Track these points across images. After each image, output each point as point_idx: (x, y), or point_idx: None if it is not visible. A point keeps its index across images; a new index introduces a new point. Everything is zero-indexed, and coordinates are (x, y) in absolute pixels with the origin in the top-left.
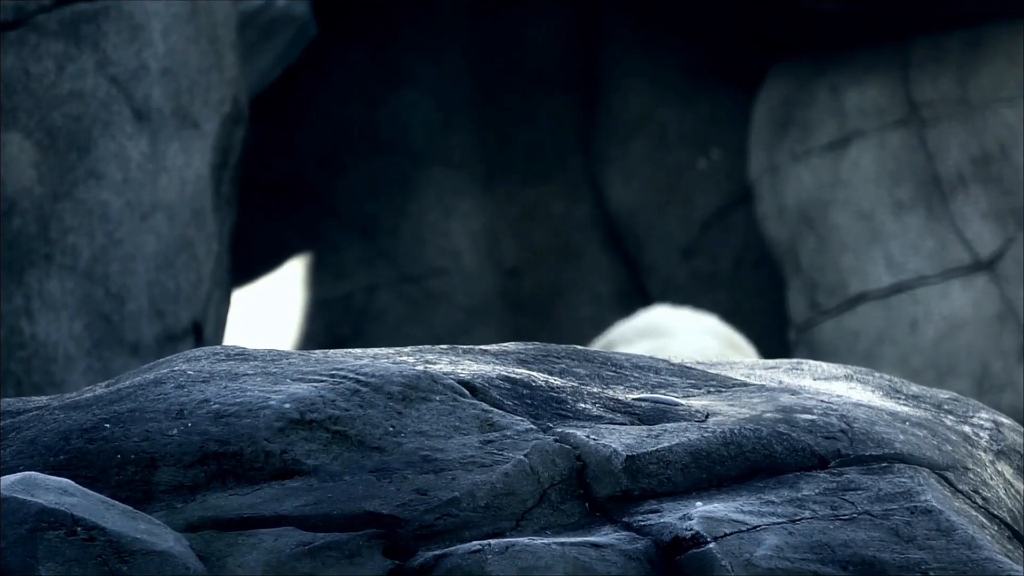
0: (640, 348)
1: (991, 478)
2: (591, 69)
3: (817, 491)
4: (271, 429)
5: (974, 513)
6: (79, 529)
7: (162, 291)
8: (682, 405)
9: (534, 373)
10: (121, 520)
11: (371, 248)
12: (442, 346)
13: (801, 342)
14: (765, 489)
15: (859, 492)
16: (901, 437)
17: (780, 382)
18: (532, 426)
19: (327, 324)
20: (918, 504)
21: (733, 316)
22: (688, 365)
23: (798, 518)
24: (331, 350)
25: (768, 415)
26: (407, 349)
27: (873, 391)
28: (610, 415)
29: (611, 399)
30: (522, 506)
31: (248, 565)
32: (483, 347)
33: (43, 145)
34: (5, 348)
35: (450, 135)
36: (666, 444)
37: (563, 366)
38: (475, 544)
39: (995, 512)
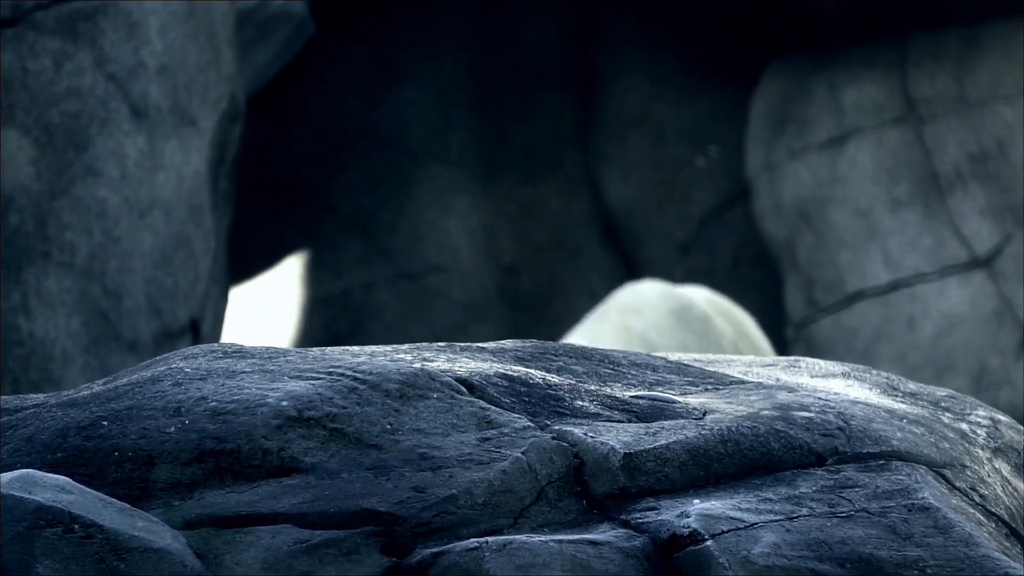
0: (609, 324)
1: (988, 475)
2: (589, 67)
3: (814, 488)
4: (268, 427)
5: (971, 510)
6: (77, 527)
7: (160, 288)
8: (680, 403)
9: (532, 371)
10: (119, 518)
11: (369, 245)
12: (440, 343)
13: (799, 339)
14: (763, 487)
15: (856, 489)
16: (899, 435)
17: (778, 379)
18: (530, 424)
19: (325, 321)
20: (915, 501)
21: None
22: (685, 362)
23: (795, 515)
24: (329, 348)
25: (766, 413)
26: (405, 347)
27: (870, 388)
28: (608, 413)
29: (609, 396)
30: (520, 503)
31: (246, 563)
32: (481, 344)
33: (41, 142)
34: (3, 345)
35: (448, 133)
36: (664, 442)
37: (560, 363)
38: (473, 541)
39: (992, 509)
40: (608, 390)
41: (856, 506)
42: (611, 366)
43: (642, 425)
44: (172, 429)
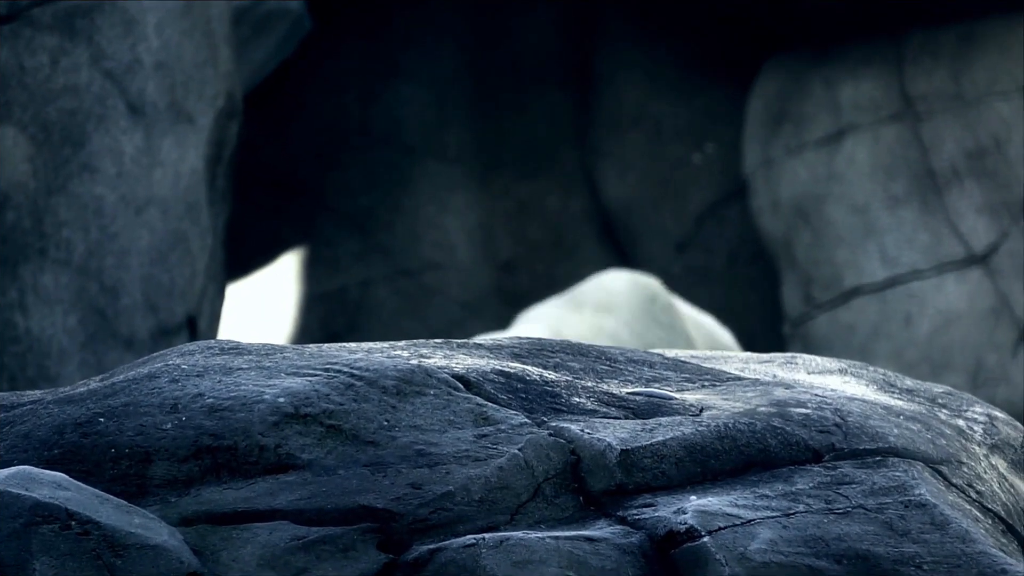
0: (584, 319)
1: (985, 472)
2: (586, 64)
3: (811, 485)
4: (265, 423)
5: (968, 507)
6: (73, 523)
7: (156, 285)
8: (676, 399)
9: (528, 367)
10: (115, 514)
11: (366, 242)
12: (436, 340)
13: (796, 336)
14: (759, 483)
15: (853, 486)
16: (895, 431)
17: (774, 376)
18: (526, 420)
19: (322, 318)
20: (912, 498)
21: (727, 310)
22: (682, 359)
23: (792, 512)
24: (325, 344)
25: (762, 409)
26: (401, 343)
27: (867, 385)
28: (604, 409)
29: (605, 393)
30: (516, 500)
31: (242, 559)
32: (477, 341)
33: (37, 139)
34: None
35: (445, 130)
36: (660, 438)
37: (557, 360)
38: (469, 538)
39: (989, 506)
40: (605, 386)
41: (853, 502)
42: (608, 362)
43: (639, 422)
44: (169, 426)
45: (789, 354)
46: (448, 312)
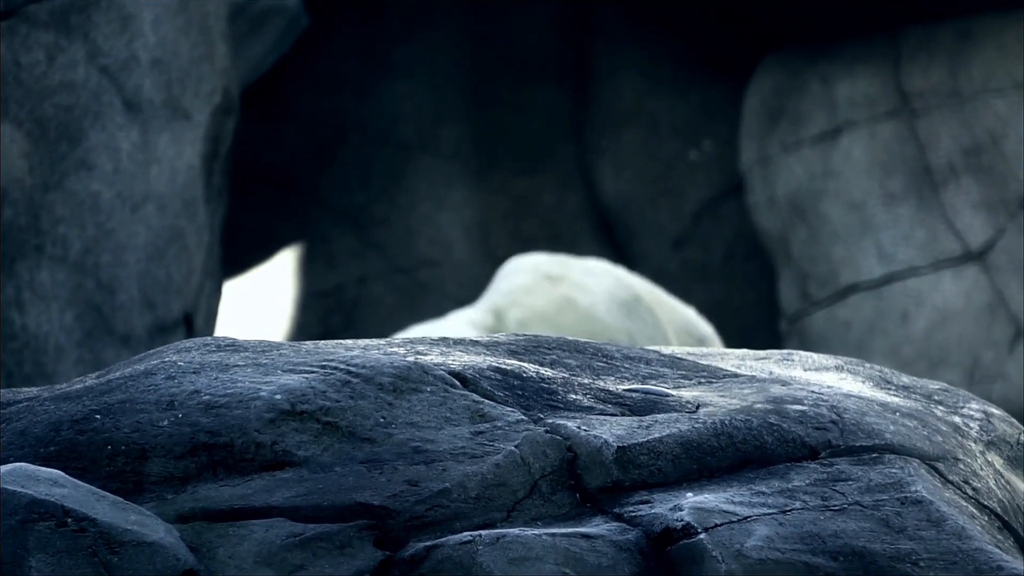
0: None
1: (981, 468)
2: (583, 60)
3: (808, 482)
4: (262, 420)
5: (964, 503)
6: (70, 520)
7: (153, 282)
8: (673, 396)
9: (525, 364)
10: (112, 511)
11: (362, 239)
12: (433, 337)
13: (792, 333)
14: (756, 480)
15: (849, 483)
16: (891, 428)
17: (771, 373)
18: (523, 417)
19: (318, 315)
20: (908, 495)
21: (724, 307)
22: (678, 356)
23: (789, 509)
24: (322, 341)
25: (759, 406)
26: (398, 340)
27: (864, 382)
28: (601, 406)
29: (602, 390)
30: (513, 497)
31: (239, 556)
32: (474, 338)
33: (34, 136)
34: None
35: (441, 126)
36: (657, 435)
37: (554, 357)
38: (466, 535)
39: (985, 502)
40: (601, 383)
41: (849, 499)
42: (604, 359)
43: (635, 418)
44: (165, 423)
45: (786, 351)
46: (445, 309)
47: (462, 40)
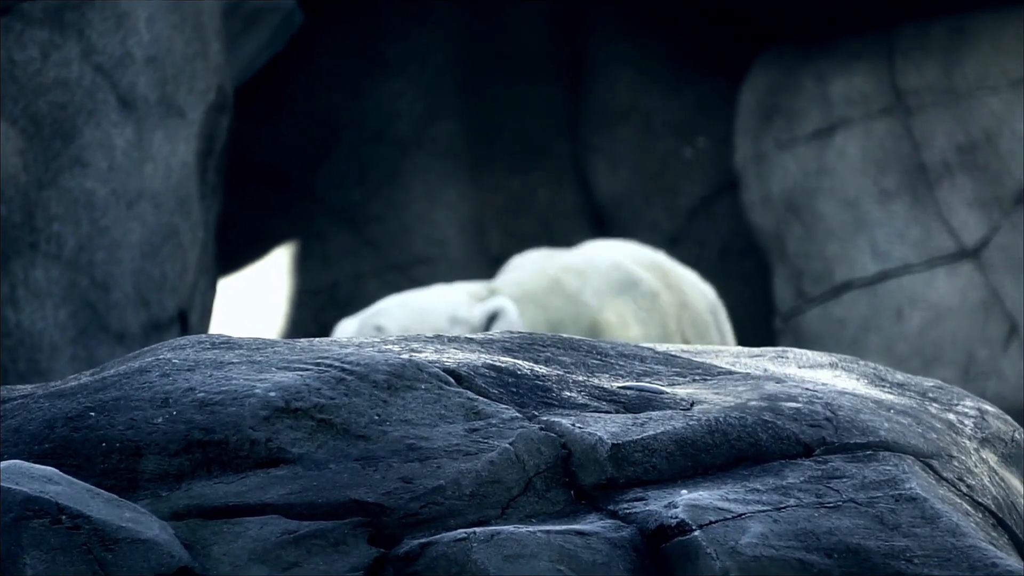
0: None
1: (976, 466)
2: (577, 58)
3: (802, 479)
4: (256, 417)
5: (959, 501)
6: (64, 517)
7: (147, 279)
8: (667, 393)
9: (519, 361)
10: (106, 508)
11: (357, 236)
12: (427, 335)
13: (787, 330)
14: (750, 477)
15: (844, 480)
16: (886, 425)
17: (765, 370)
18: (517, 414)
19: (313, 312)
20: (903, 492)
21: None
22: (673, 353)
23: (783, 506)
24: (317, 339)
25: (753, 403)
26: (392, 337)
27: (858, 379)
28: (595, 403)
29: (596, 387)
30: (507, 494)
31: (233, 553)
32: (468, 335)
33: (28, 133)
34: None
35: (436, 124)
36: (651, 432)
37: (548, 354)
38: (460, 532)
39: (979, 500)
40: (596, 381)
41: (843, 496)
42: (599, 357)
43: (630, 416)
44: (160, 420)
45: (780, 348)
46: None
47: (456, 37)
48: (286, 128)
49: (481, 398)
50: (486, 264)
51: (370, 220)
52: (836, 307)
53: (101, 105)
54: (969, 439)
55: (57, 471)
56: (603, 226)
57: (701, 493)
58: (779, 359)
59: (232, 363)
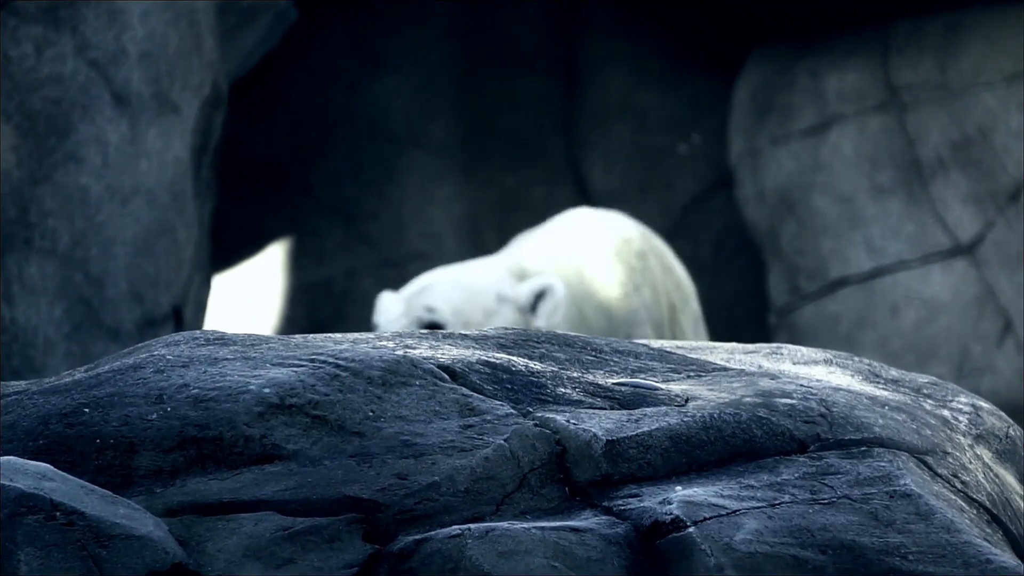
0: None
1: (970, 462)
2: (572, 55)
3: (796, 475)
4: (251, 414)
5: (953, 497)
6: (58, 514)
7: (142, 275)
8: (662, 389)
9: (514, 358)
10: (100, 505)
11: (352, 233)
12: (422, 331)
13: (781, 326)
14: (745, 473)
15: (838, 476)
16: (880, 421)
17: (760, 366)
18: (512, 411)
19: (307, 308)
20: (897, 488)
21: (713, 300)
22: (668, 349)
23: (778, 502)
24: (311, 335)
25: (748, 399)
26: (387, 334)
27: (852, 375)
28: (590, 400)
29: (591, 384)
30: (502, 490)
31: (228, 550)
32: (463, 332)
33: (22, 129)
34: None
35: (431, 120)
36: (646, 428)
37: (543, 351)
38: (455, 528)
39: (974, 496)
40: (590, 377)
41: (838, 493)
42: (593, 353)
43: (624, 412)
44: (154, 416)
45: (774, 344)
46: None
47: (451, 34)
48: (281, 124)
49: (476, 394)
50: None
51: (365, 216)
52: (831, 303)
53: (95, 101)
54: (964, 435)
55: (51, 467)
56: None
57: (696, 489)
58: (773, 355)
59: (226, 359)
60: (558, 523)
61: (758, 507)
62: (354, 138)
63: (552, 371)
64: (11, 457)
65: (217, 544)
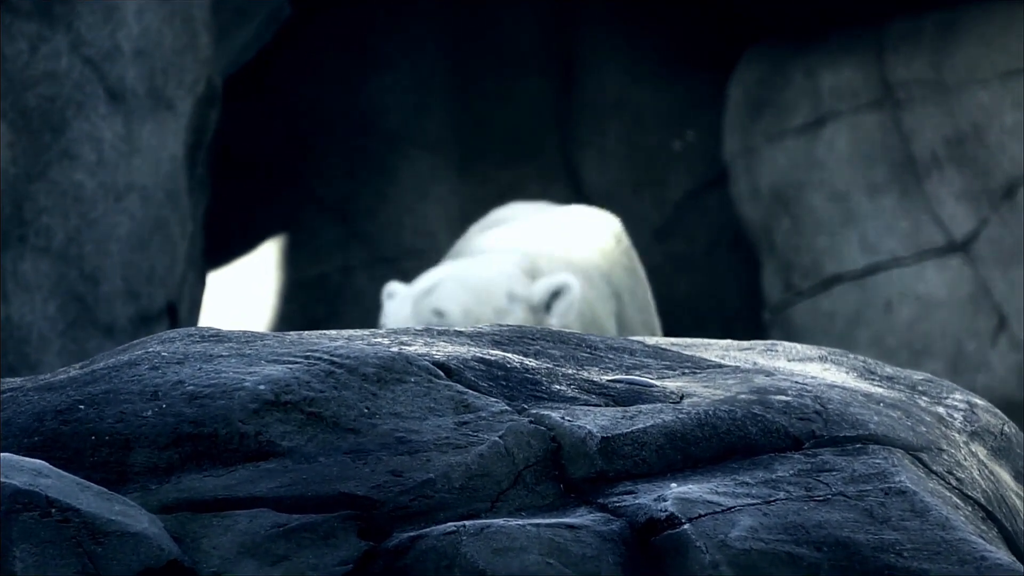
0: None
1: (965, 459)
2: (567, 52)
3: (791, 472)
4: (246, 411)
5: (948, 494)
6: (53, 511)
7: (136, 272)
8: (657, 386)
9: (509, 355)
10: (96, 502)
11: (347, 230)
12: (417, 327)
13: (776, 323)
14: (740, 470)
15: (833, 473)
16: (875, 418)
17: (755, 364)
18: (507, 407)
19: (302, 305)
20: (892, 485)
21: (707, 297)
22: (663, 346)
23: (773, 499)
24: (306, 332)
25: (743, 397)
26: (382, 331)
27: (847, 372)
28: (585, 396)
29: (586, 380)
30: (497, 487)
31: (223, 547)
32: (458, 328)
33: (17, 126)
34: None
35: (426, 117)
36: (641, 425)
37: (538, 347)
38: (450, 525)
39: (969, 493)
40: (586, 374)
41: (833, 490)
42: (589, 350)
43: (619, 409)
44: (149, 413)
45: (769, 341)
46: None
47: (446, 31)
48: (275, 121)
49: (471, 391)
50: None
51: (360, 213)
52: (825, 300)
53: (90, 98)
54: (959, 432)
55: (47, 464)
56: None
57: (691, 486)
58: (768, 352)
59: (221, 356)
60: (553, 520)
61: (753, 504)
62: (349, 135)
63: (547, 368)
64: (6, 454)
65: (212, 541)
